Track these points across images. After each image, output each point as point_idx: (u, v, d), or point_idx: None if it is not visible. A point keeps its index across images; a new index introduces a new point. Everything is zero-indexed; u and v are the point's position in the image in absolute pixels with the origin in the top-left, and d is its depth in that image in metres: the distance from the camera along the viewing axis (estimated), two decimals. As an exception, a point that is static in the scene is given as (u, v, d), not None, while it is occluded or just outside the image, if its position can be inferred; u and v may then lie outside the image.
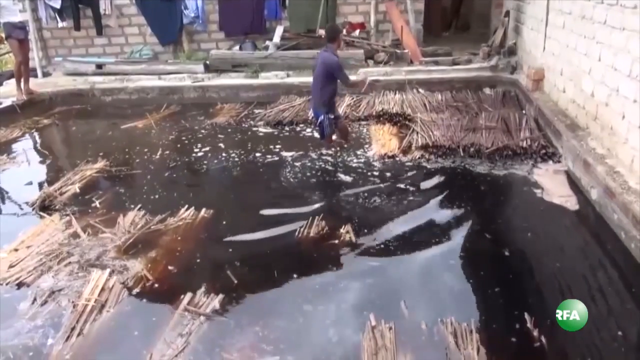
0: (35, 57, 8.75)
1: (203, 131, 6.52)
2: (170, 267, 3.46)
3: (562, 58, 5.47)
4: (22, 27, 7.41)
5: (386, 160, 5.15)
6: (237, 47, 9.01)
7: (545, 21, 5.99)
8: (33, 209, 4.38)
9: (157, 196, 4.64)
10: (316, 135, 5.75)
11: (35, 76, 8.63)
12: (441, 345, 2.66)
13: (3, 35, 7.34)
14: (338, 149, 5.42)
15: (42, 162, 5.85)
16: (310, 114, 5.95)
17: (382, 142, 5.60)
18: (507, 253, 3.52)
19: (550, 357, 2.56)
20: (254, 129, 6.46)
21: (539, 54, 6.34)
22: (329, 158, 5.29)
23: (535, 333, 2.67)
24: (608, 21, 4.23)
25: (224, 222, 4.11)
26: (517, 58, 7.55)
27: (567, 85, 5.29)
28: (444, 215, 4.08)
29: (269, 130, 6.38)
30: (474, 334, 2.67)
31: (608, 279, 3.25)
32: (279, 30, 8.89)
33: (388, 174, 4.87)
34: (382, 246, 3.66)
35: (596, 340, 2.45)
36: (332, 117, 5.10)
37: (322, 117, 5.05)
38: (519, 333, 2.71)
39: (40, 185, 5.03)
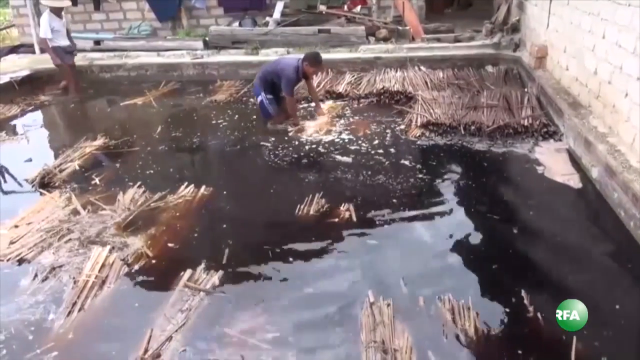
0: (32, 33, 8.65)
1: (202, 109, 6.48)
2: (170, 244, 3.47)
3: (565, 35, 5.39)
4: (70, 51, 7.26)
5: (392, 137, 5.14)
6: (236, 24, 8.89)
7: (549, -3, 5.89)
8: (33, 186, 4.39)
9: (156, 173, 4.64)
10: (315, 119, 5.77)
11: (33, 52, 8.56)
12: (438, 321, 2.68)
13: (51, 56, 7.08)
14: (319, 130, 5.46)
15: (41, 139, 5.83)
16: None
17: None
18: (509, 230, 3.52)
19: (546, 333, 2.58)
20: (254, 107, 6.42)
21: (542, 31, 6.24)
22: (328, 136, 5.27)
23: (531, 309, 2.69)
24: (613, -3, 4.14)
25: (224, 200, 4.12)
26: (520, 35, 7.44)
27: (570, 62, 5.22)
28: (444, 192, 4.08)
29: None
30: (471, 310, 2.69)
31: (606, 256, 3.25)
32: (279, 7, 8.76)
33: (391, 150, 4.86)
34: (382, 224, 3.66)
35: (594, 314, 2.46)
36: (271, 96, 5.48)
37: (260, 97, 5.50)
38: (515, 310, 2.73)
39: (39, 162, 5.01)
